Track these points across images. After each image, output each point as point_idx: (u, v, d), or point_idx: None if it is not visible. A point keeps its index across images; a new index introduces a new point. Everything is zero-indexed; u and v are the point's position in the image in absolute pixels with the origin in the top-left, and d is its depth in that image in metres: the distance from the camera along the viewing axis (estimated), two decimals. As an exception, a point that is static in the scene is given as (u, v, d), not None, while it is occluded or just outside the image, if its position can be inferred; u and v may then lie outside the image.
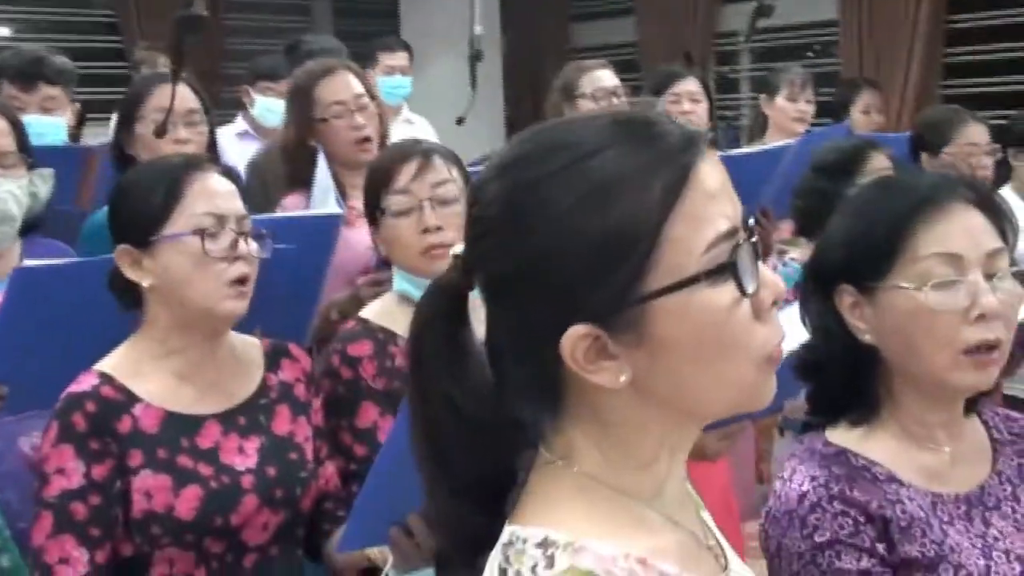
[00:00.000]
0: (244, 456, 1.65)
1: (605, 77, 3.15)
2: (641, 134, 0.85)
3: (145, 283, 1.62)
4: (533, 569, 0.83)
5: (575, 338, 0.83)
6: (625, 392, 0.85)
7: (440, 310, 0.90)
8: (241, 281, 1.63)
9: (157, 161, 1.76)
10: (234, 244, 1.62)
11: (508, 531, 0.86)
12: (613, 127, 0.86)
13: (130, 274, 1.63)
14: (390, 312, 1.91)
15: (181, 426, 1.62)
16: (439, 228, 1.83)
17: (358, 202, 2.58)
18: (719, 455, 1.83)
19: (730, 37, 6.93)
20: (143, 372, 1.63)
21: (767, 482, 2.80)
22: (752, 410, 0.89)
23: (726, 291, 0.83)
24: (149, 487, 1.57)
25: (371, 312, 1.94)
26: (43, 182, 2.08)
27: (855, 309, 1.33)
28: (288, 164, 2.61)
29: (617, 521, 0.86)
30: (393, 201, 1.86)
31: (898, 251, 1.30)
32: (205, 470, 1.60)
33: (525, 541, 0.84)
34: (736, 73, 6.76)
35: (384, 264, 1.99)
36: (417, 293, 1.87)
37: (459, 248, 0.89)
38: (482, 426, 0.89)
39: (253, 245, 1.65)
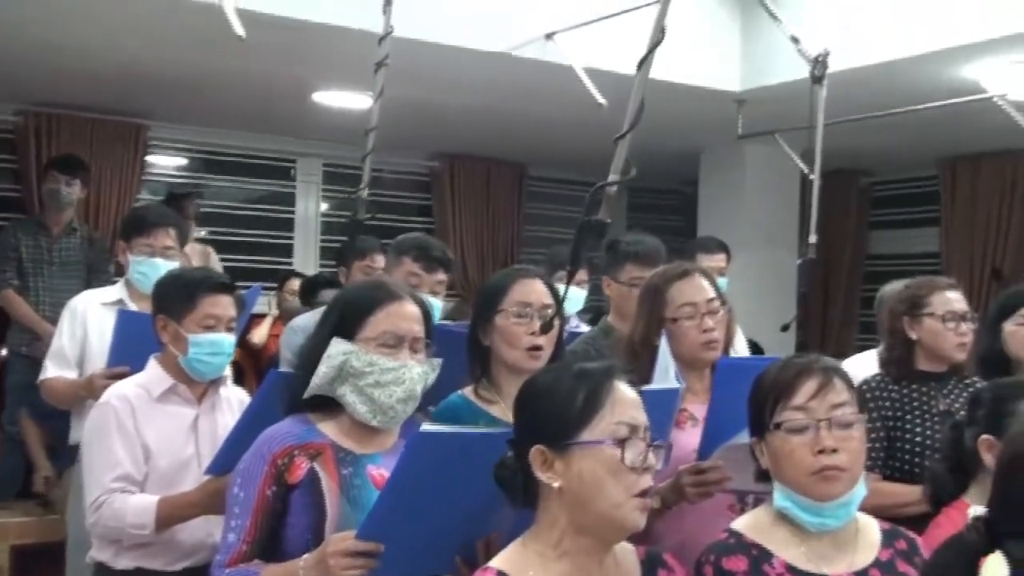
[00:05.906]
0: None
1: (955, 300, 3.03)
2: None
3: (555, 484, 1.62)
4: None
5: None
6: None
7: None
8: (644, 493, 1.62)
9: (570, 365, 1.75)
10: (645, 455, 1.62)
11: None
12: None
13: (540, 474, 1.63)
14: (765, 528, 1.83)
15: None
16: (835, 450, 1.77)
17: (690, 405, 2.60)
18: None
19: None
20: (532, 573, 1.61)
21: None
22: None
23: None
24: None
25: (743, 525, 1.87)
26: (433, 370, 2.12)
27: None
28: (631, 359, 2.63)
29: None
30: (789, 417, 1.80)
31: None
32: None
33: None
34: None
35: (763, 476, 1.93)
36: (800, 513, 1.80)
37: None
38: None
39: (658, 457, 1.65)
